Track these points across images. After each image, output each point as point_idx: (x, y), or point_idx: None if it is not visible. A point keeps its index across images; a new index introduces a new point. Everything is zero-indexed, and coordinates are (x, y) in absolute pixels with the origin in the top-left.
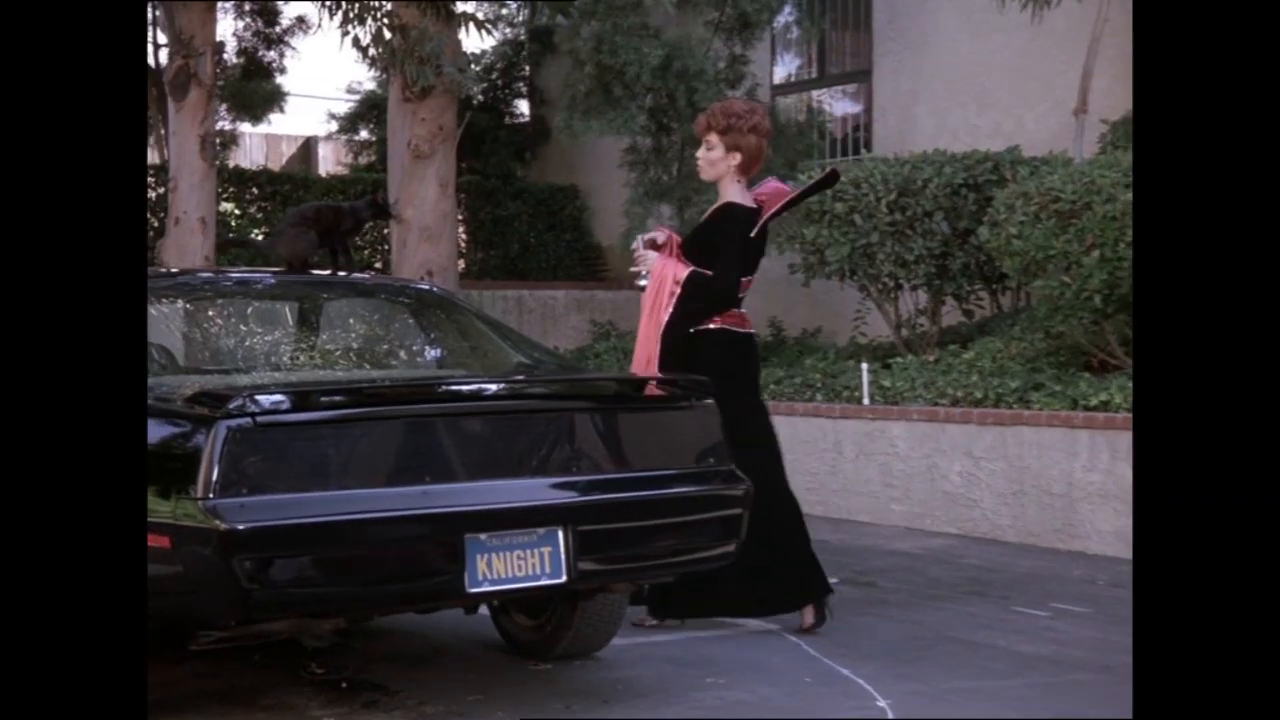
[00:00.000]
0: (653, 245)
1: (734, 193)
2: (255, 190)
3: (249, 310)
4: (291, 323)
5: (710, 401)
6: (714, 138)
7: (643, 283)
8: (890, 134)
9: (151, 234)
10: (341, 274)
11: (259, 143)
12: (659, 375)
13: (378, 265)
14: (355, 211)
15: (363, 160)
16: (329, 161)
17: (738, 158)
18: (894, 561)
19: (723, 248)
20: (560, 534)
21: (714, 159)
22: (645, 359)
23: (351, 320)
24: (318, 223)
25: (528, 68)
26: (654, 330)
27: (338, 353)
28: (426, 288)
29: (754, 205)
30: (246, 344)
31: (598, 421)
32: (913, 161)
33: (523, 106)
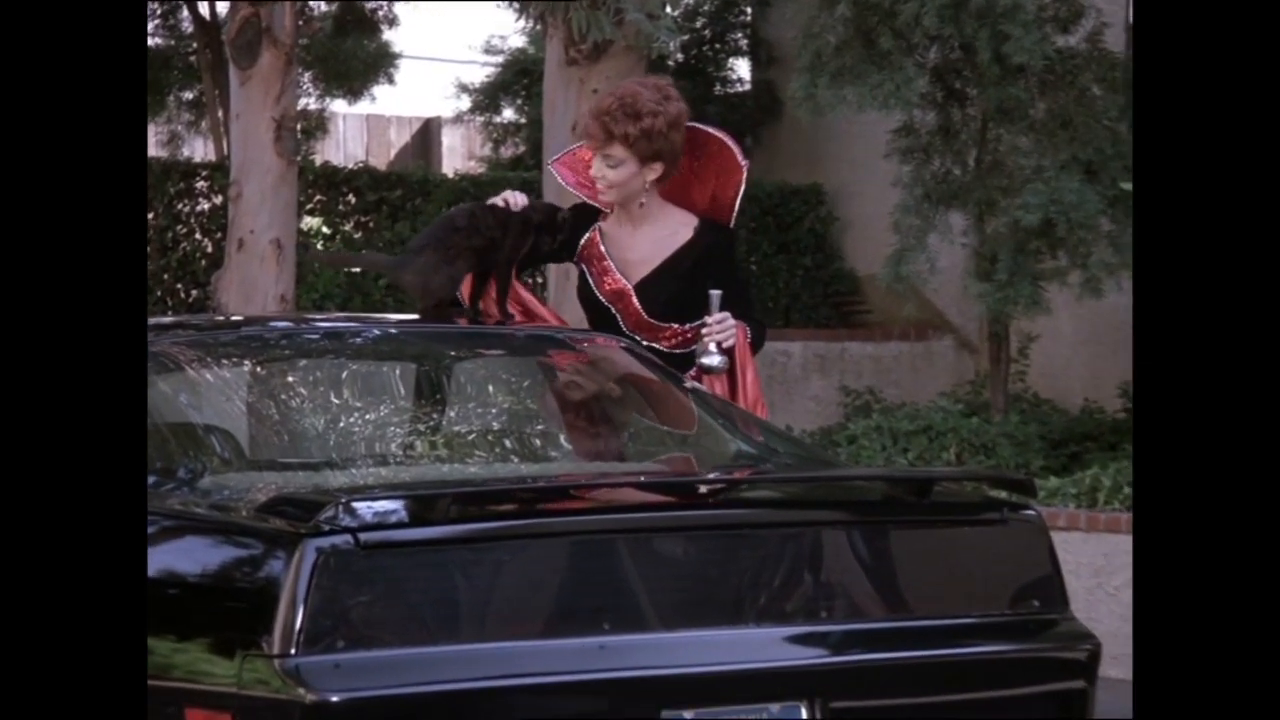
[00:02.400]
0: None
1: (672, 211)
2: (352, 198)
3: (345, 376)
4: (407, 394)
5: (1033, 513)
6: (619, 151)
7: (715, 363)
8: None
9: (204, 262)
10: (489, 322)
11: (357, 128)
12: (956, 469)
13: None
14: (530, 222)
15: (506, 152)
16: (457, 154)
17: (659, 169)
18: None
19: (736, 276)
20: (804, 712)
21: (621, 179)
22: None
23: (494, 389)
24: (472, 238)
25: (749, 10)
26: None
27: (474, 438)
28: (602, 340)
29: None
30: (342, 426)
31: (860, 542)
32: None
33: (741, 68)
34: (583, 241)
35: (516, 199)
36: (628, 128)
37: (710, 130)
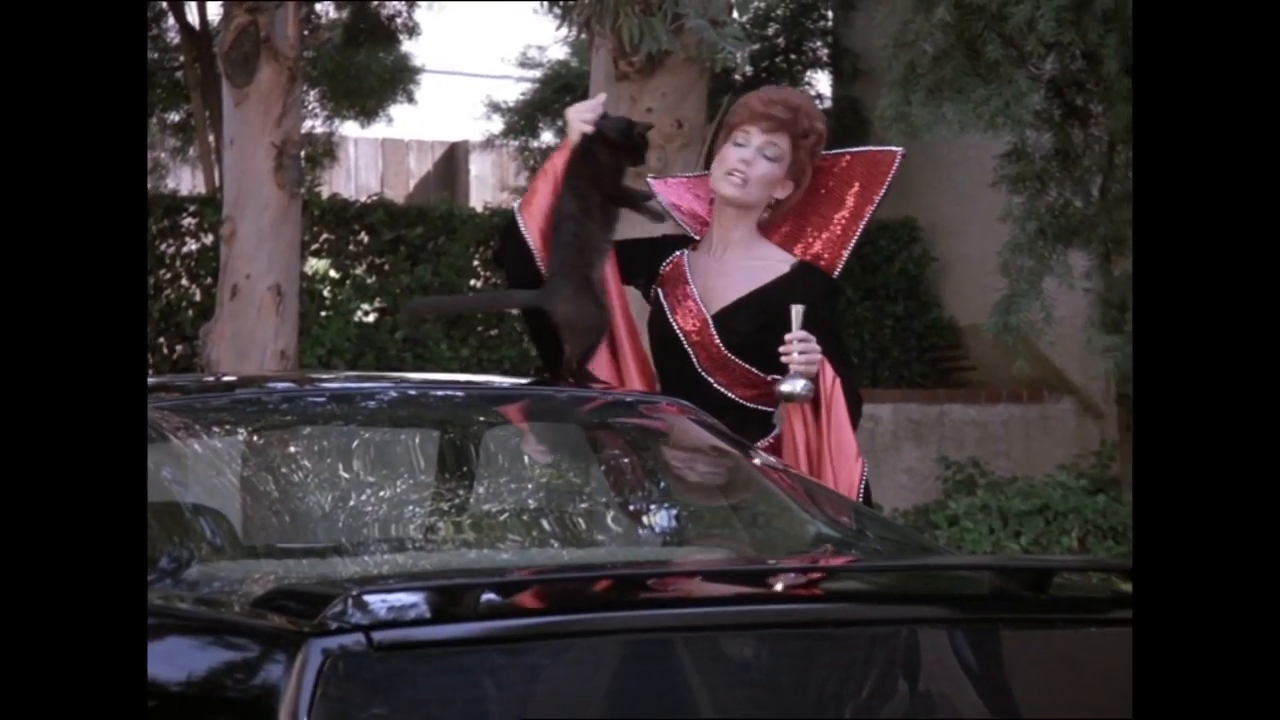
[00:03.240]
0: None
1: (770, 247)
2: (365, 236)
3: (356, 446)
4: (429, 467)
5: None
6: (784, 144)
7: (798, 388)
8: None
9: (191, 312)
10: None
11: (371, 154)
12: (1080, 558)
13: None
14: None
15: None
16: (487, 184)
17: (790, 188)
18: None
19: (835, 332)
20: None
21: (769, 175)
22: None
23: (529, 462)
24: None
25: (830, 15)
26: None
27: (508, 518)
28: (656, 403)
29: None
30: (353, 505)
31: (964, 644)
32: None
33: (821, 83)
34: (665, 266)
35: (581, 117)
36: (810, 124)
37: (863, 152)
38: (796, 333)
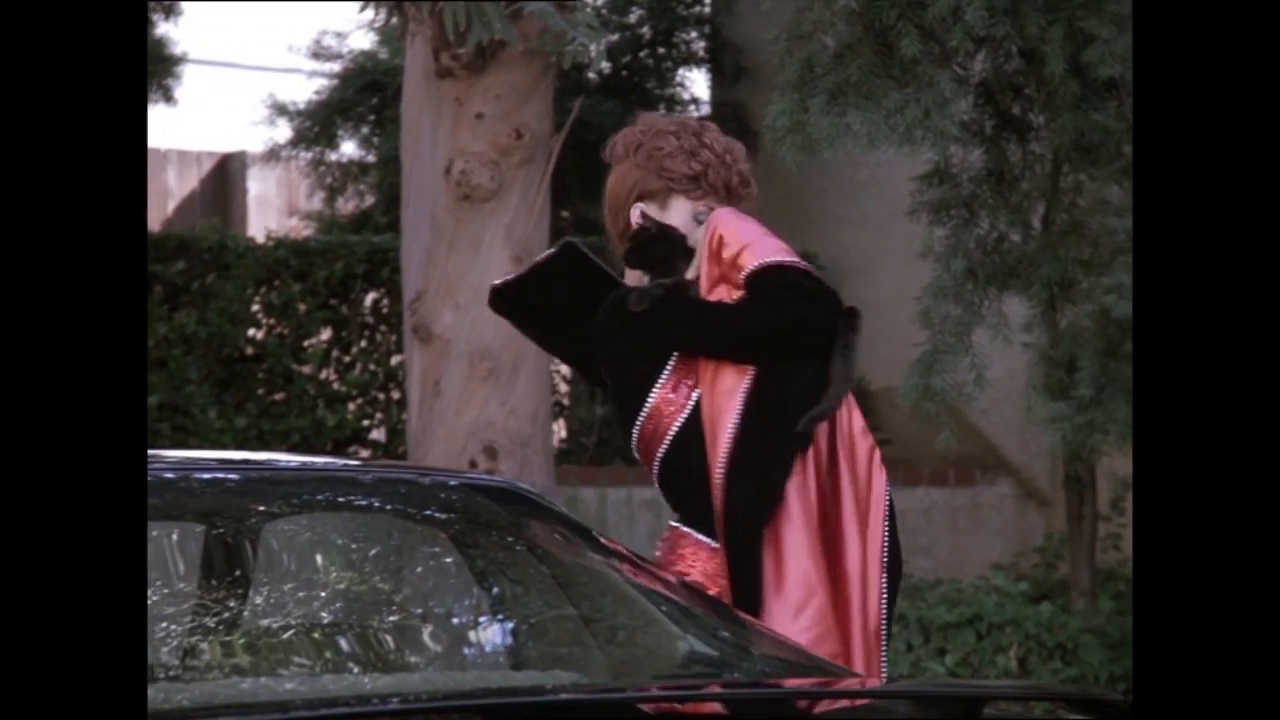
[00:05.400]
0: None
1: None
2: None
3: None
4: (188, 572)
5: None
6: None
7: None
8: None
9: None
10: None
11: None
12: (1018, 683)
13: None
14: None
15: (346, 205)
16: (271, 207)
17: None
18: None
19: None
20: None
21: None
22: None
23: (323, 558)
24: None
25: (707, 1)
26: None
27: (290, 636)
28: (488, 487)
29: None
30: None
31: None
32: None
33: (697, 83)
34: None
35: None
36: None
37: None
38: None
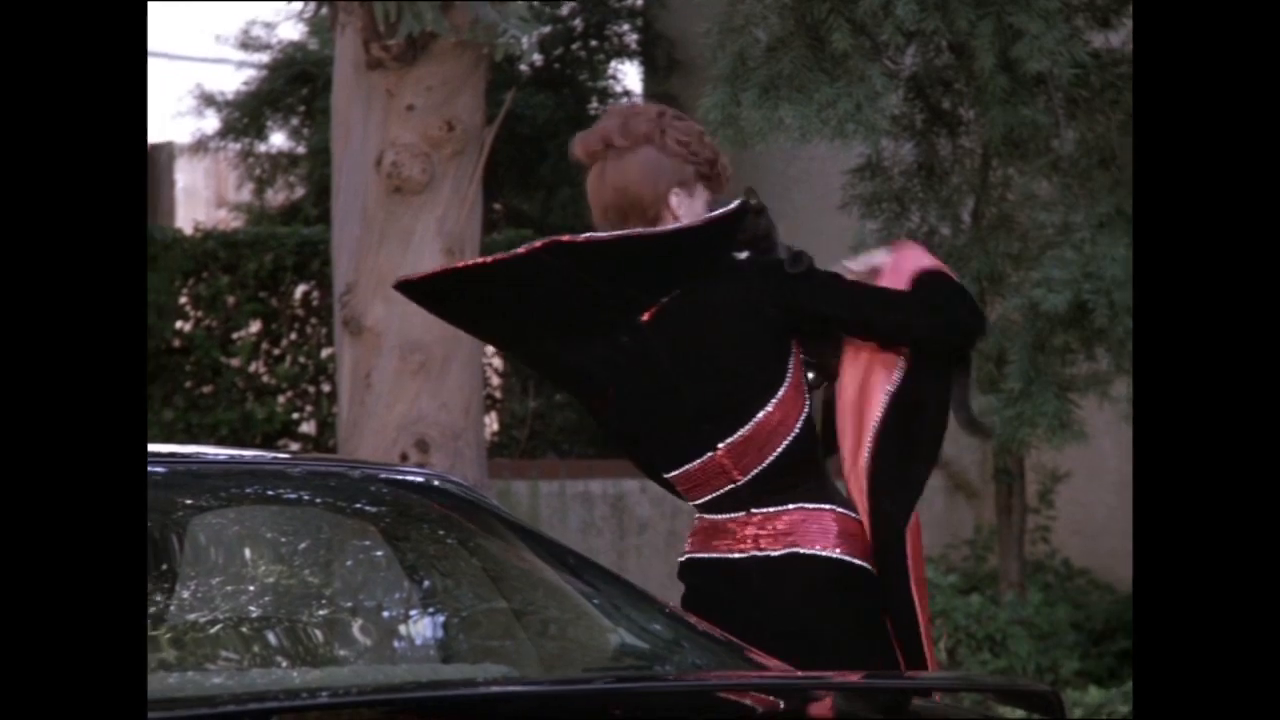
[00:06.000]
0: None
1: None
2: None
3: None
4: None
5: None
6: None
7: None
8: None
9: None
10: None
11: None
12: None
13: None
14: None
15: (275, 196)
16: (199, 198)
17: None
18: None
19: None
20: None
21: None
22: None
23: (251, 552)
24: None
25: None
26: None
27: (219, 631)
28: (420, 480)
29: None
30: None
31: None
32: None
33: (629, 75)
34: None
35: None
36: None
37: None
38: None
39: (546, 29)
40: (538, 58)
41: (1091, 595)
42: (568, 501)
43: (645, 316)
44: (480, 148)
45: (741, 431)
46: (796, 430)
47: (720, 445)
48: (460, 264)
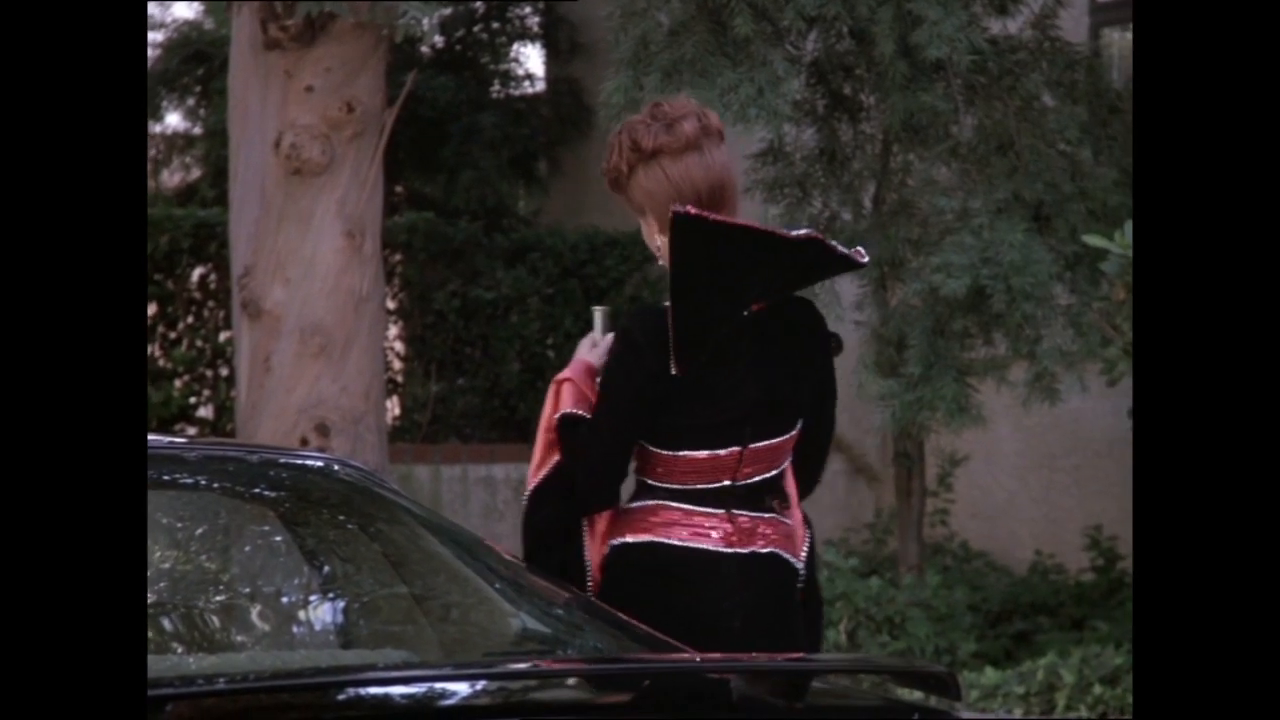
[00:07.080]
0: None
1: None
2: None
3: None
4: None
5: None
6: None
7: None
8: None
9: None
10: None
11: None
12: (845, 656)
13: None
14: None
15: (171, 178)
16: None
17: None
18: None
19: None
20: None
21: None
22: None
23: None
24: None
25: None
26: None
27: None
28: (320, 465)
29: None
30: None
31: None
32: None
33: (532, 59)
34: None
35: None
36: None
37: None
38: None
39: (448, 10)
40: (439, 39)
41: (989, 578)
42: (470, 486)
43: (755, 307)
44: (381, 129)
45: (773, 440)
46: (791, 455)
47: (752, 444)
48: (751, 223)
